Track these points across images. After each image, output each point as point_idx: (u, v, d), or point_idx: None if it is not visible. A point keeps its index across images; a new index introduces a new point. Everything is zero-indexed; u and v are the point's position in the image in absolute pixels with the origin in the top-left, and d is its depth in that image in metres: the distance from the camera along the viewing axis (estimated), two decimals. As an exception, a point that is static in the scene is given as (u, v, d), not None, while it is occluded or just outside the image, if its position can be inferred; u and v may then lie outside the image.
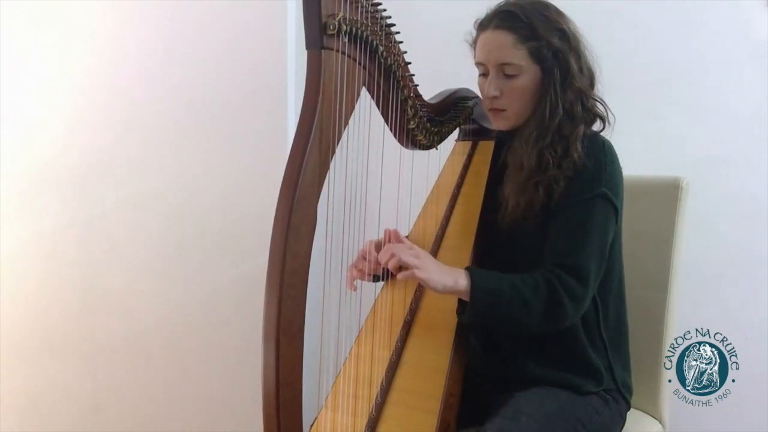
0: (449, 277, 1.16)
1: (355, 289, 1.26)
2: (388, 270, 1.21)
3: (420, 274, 1.14)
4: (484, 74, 1.33)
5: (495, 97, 1.31)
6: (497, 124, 1.36)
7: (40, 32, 2.29)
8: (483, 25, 1.32)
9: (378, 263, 1.21)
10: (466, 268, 1.18)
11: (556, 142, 1.26)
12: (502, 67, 1.29)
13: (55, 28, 2.27)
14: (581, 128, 1.27)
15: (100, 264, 2.27)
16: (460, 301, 1.20)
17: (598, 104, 1.32)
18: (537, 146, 1.27)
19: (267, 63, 2.04)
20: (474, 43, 1.35)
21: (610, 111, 1.33)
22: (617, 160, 1.28)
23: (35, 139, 2.31)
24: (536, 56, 1.27)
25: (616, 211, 1.26)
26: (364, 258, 1.29)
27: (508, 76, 1.29)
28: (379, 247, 1.27)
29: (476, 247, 1.32)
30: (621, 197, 1.28)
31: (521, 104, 1.31)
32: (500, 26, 1.28)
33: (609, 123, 1.33)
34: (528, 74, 1.28)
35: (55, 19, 2.26)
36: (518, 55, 1.27)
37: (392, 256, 1.15)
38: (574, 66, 1.27)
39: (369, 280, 1.33)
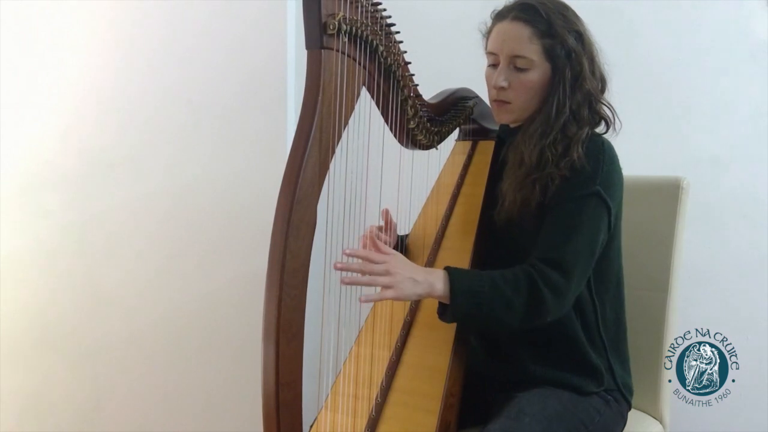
0: (422, 285, 1.13)
1: None
2: None
3: (388, 294, 1.10)
4: (493, 64, 1.32)
5: (502, 89, 1.30)
6: (499, 117, 1.36)
7: (40, 32, 2.29)
8: (501, 15, 1.31)
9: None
10: (445, 268, 1.16)
11: (558, 141, 1.26)
12: (513, 59, 1.28)
13: (55, 28, 2.27)
14: (585, 131, 1.26)
15: (100, 264, 2.27)
16: (440, 302, 1.19)
17: (606, 108, 1.31)
18: (540, 143, 1.26)
19: (267, 63, 2.03)
20: (488, 33, 1.34)
21: (618, 117, 1.32)
22: (617, 161, 1.27)
23: (35, 139, 2.31)
24: (549, 54, 1.27)
25: (609, 211, 1.24)
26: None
27: (519, 69, 1.28)
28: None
29: (476, 247, 1.32)
30: (618, 198, 1.27)
31: (526, 99, 1.30)
32: (518, 18, 1.27)
33: (615, 128, 1.32)
34: (538, 70, 1.28)
35: (54, 19, 2.26)
36: (532, 50, 1.27)
37: (362, 275, 1.11)
38: (587, 68, 1.27)
39: None
